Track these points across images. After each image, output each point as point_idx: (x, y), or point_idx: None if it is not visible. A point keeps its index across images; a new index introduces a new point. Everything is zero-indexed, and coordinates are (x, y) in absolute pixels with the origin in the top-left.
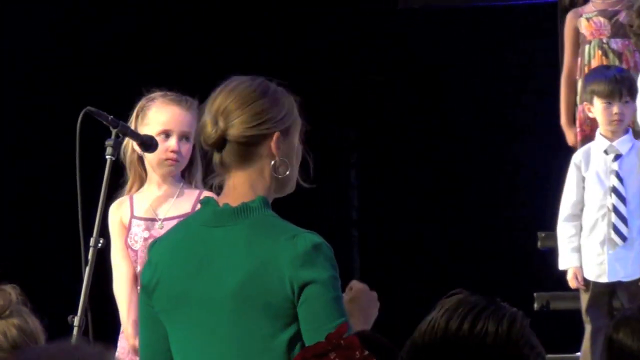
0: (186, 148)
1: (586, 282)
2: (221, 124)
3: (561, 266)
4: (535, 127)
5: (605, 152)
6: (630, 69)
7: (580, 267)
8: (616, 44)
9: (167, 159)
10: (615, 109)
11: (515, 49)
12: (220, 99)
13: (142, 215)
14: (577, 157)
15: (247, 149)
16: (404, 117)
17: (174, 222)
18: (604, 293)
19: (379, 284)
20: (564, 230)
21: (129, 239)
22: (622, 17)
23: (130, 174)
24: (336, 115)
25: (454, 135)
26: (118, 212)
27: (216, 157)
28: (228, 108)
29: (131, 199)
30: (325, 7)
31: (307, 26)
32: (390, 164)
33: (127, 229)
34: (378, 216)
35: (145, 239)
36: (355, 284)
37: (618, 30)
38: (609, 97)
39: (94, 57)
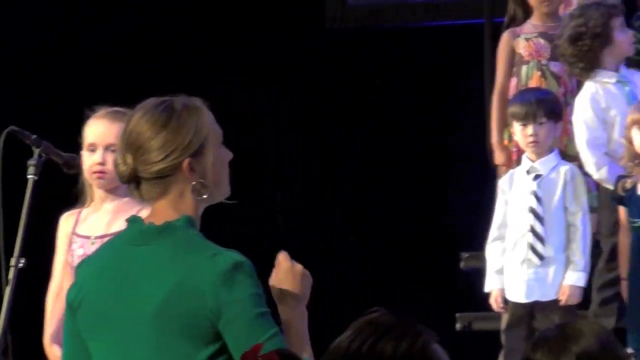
0: (113, 159)
1: (507, 303)
2: (129, 161)
3: (486, 288)
4: (461, 147)
5: (528, 172)
6: (568, 92)
7: (502, 289)
8: (556, 67)
9: (93, 172)
10: (529, 130)
11: (443, 69)
12: (127, 135)
13: (81, 232)
14: (503, 180)
15: (161, 182)
16: (330, 139)
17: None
18: (524, 313)
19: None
20: (490, 252)
21: (69, 255)
22: None
23: (86, 189)
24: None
25: (379, 157)
26: (65, 225)
27: (134, 192)
28: (134, 145)
29: (79, 214)
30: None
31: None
32: (318, 184)
33: (69, 244)
34: (302, 235)
35: (80, 257)
36: (281, 262)
37: (557, 54)
38: (524, 119)
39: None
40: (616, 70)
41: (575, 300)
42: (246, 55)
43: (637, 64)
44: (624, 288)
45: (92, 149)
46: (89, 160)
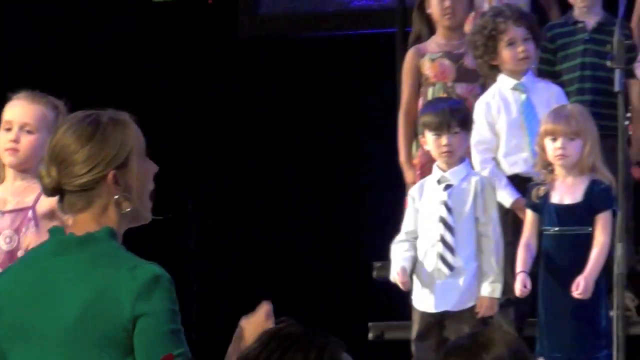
0: (28, 140)
1: (416, 312)
2: (53, 173)
3: (392, 275)
4: (372, 156)
5: (438, 181)
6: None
7: (407, 267)
8: (461, 88)
9: (5, 150)
10: (443, 140)
11: (355, 78)
12: (51, 147)
13: None
14: (413, 189)
15: (85, 194)
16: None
17: (14, 215)
18: (433, 323)
19: (215, 315)
20: (396, 248)
21: None
22: (467, 60)
23: None
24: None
25: (290, 166)
26: None
27: (59, 204)
28: (58, 157)
29: None
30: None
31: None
32: (226, 194)
33: None
34: (214, 246)
35: None
36: (261, 316)
37: (463, 74)
38: (438, 128)
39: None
40: (518, 77)
41: (492, 311)
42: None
43: (548, 74)
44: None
45: (8, 127)
46: (3, 138)
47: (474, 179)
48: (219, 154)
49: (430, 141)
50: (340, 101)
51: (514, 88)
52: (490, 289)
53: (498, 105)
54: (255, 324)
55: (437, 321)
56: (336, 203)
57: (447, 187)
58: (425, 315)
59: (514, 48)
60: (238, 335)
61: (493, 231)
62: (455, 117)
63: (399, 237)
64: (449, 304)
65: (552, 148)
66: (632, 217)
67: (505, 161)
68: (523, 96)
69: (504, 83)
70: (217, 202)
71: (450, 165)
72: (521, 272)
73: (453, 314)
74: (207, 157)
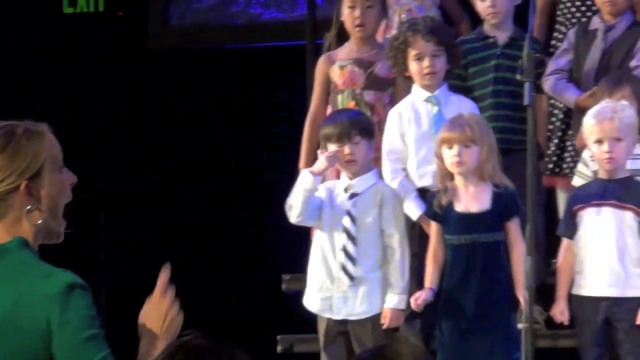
0: None
1: (321, 323)
2: None
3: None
4: (281, 168)
5: (345, 189)
6: (382, 121)
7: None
8: (369, 95)
9: None
10: (346, 149)
11: (265, 90)
12: None
13: None
14: (320, 186)
15: None
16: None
17: None
18: (337, 332)
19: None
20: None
21: None
22: (377, 68)
23: None
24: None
25: (199, 177)
26: None
27: None
28: None
29: None
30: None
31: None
32: (139, 203)
33: None
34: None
35: None
36: (154, 295)
37: (372, 82)
38: (339, 139)
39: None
40: (432, 89)
41: (397, 323)
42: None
43: (460, 90)
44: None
45: None
46: None
47: (380, 189)
48: (132, 164)
49: None
50: (250, 113)
51: (427, 100)
52: (395, 300)
53: (409, 117)
54: (153, 307)
55: (341, 330)
56: (245, 215)
57: (353, 196)
58: (329, 323)
59: (420, 63)
60: (142, 333)
61: (399, 242)
62: (356, 126)
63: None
64: (349, 313)
65: (449, 156)
66: (544, 231)
67: (414, 174)
68: (435, 109)
69: (416, 95)
70: (128, 215)
71: (355, 174)
72: (428, 288)
73: (356, 323)
74: (118, 168)
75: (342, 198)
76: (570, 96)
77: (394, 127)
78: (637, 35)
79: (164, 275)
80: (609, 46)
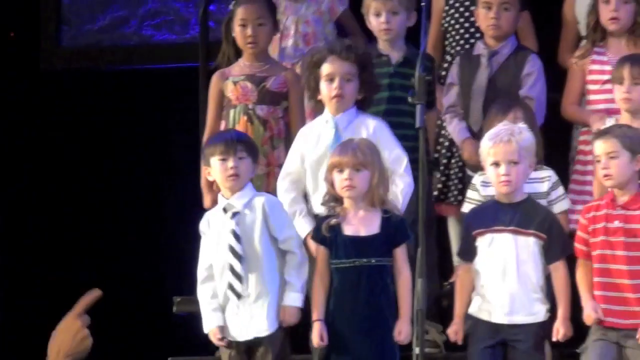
0: None
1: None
2: None
3: (205, 329)
4: (174, 189)
5: (225, 210)
6: (274, 136)
7: (221, 325)
8: (262, 110)
9: None
10: (230, 163)
11: (158, 112)
12: None
13: None
14: (202, 222)
15: None
16: (44, 184)
17: None
18: (239, 351)
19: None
20: (201, 293)
21: None
22: (269, 83)
23: None
24: None
25: (90, 197)
26: None
27: None
28: None
29: None
30: None
31: None
32: (30, 225)
33: None
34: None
35: None
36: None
37: (264, 97)
38: (224, 153)
39: None
40: (337, 112)
41: (293, 320)
42: None
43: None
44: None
45: None
46: None
47: (259, 201)
48: (24, 185)
49: (216, 167)
50: (143, 134)
51: (328, 123)
52: (292, 298)
53: (311, 138)
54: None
55: (243, 349)
56: (137, 236)
57: (234, 214)
58: (231, 343)
59: (330, 84)
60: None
61: (297, 244)
62: (242, 143)
63: (200, 275)
64: (243, 333)
65: (339, 180)
66: (436, 251)
67: (311, 196)
68: (333, 131)
69: (323, 116)
70: (19, 242)
71: (234, 191)
72: (317, 320)
73: (258, 341)
74: (9, 187)
75: (223, 218)
76: (459, 138)
77: (295, 146)
78: (522, 60)
79: (87, 299)
80: (494, 72)
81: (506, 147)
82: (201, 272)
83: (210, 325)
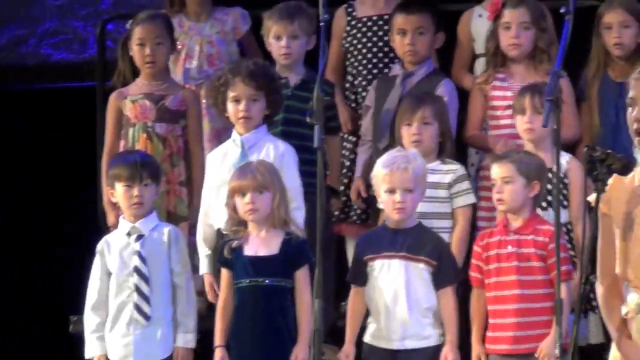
0: None
1: None
2: None
3: (87, 355)
4: (72, 208)
5: (129, 233)
6: (173, 154)
7: (104, 354)
8: (161, 128)
9: None
10: (135, 191)
11: (56, 131)
12: None
13: None
14: (100, 244)
15: None
16: None
17: None
18: None
19: None
20: (89, 319)
21: None
22: (168, 101)
23: None
24: None
25: None
26: None
27: None
28: None
29: None
30: None
31: None
32: None
33: None
34: None
35: None
36: None
37: (163, 115)
38: (129, 180)
39: None
40: (245, 131)
41: None
42: None
43: None
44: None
45: None
46: None
47: (166, 229)
48: None
49: (120, 192)
50: (41, 152)
51: (236, 142)
52: (185, 340)
53: (219, 158)
54: None
55: None
56: (32, 254)
57: (139, 237)
58: None
59: (236, 105)
60: None
61: (186, 281)
62: (147, 169)
63: (90, 300)
64: (149, 355)
65: (242, 204)
66: (334, 273)
67: (215, 215)
68: (238, 150)
69: (232, 136)
70: None
71: (138, 217)
72: (219, 346)
73: None
74: None
75: (127, 241)
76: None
77: (208, 168)
78: (435, 82)
79: None
80: (406, 92)
81: (402, 175)
82: (92, 295)
83: (93, 352)
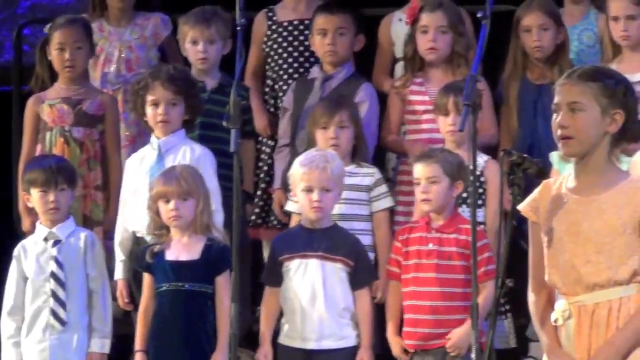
0: None
1: None
2: None
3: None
4: None
5: (46, 239)
6: (90, 158)
7: None
8: (78, 132)
9: None
10: (50, 197)
11: None
12: None
13: None
14: (16, 249)
15: None
16: None
17: None
18: None
19: None
20: (5, 325)
21: None
22: (85, 106)
23: None
24: None
25: None
26: None
27: None
28: None
29: None
30: None
31: None
32: None
33: None
34: None
35: None
36: None
37: (81, 119)
38: (44, 185)
39: None
40: (161, 134)
41: None
42: None
43: None
44: None
45: None
46: None
47: (82, 235)
48: None
49: (35, 198)
50: None
51: (153, 146)
52: (100, 344)
53: (137, 164)
54: None
55: None
56: None
57: (56, 242)
58: None
59: (155, 109)
60: None
61: (102, 287)
62: (62, 173)
63: (7, 305)
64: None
65: (166, 210)
66: (250, 277)
67: (130, 218)
68: (155, 153)
69: (151, 139)
70: None
71: (55, 223)
72: (139, 351)
73: None
74: None
75: (43, 246)
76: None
77: (126, 173)
78: (355, 86)
79: None
80: (326, 95)
81: (321, 174)
82: (8, 300)
83: (9, 358)
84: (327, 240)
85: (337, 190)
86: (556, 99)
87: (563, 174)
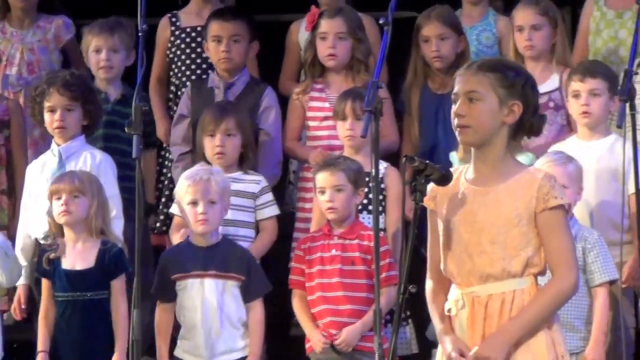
0: None
1: None
2: None
3: None
4: None
5: None
6: None
7: None
8: None
9: None
10: None
11: None
12: None
13: None
14: None
15: None
16: None
17: None
18: None
19: None
20: None
21: None
22: None
23: None
24: None
25: None
26: None
27: None
28: None
29: None
30: None
31: None
32: None
33: None
34: None
35: None
36: None
37: None
38: None
39: None
40: (62, 141)
41: None
42: None
43: None
44: None
45: None
46: None
47: None
48: None
49: None
50: None
51: (53, 152)
52: None
53: (39, 169)
54: None
55: None
56: None
57: None
58: None
59: (52, 115)
60: None
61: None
62: None
63: None
64: None
65: (57, 206)
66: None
67: (32, 225)
68: (56, 160)
69: (52, 146)
70: None
71: None
72: (41, 352)
73: None
74: None
75: None
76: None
77: (27, 178)
78: (259, 92)
79: None
80: (225, 102)
81: (205, 185)
82: None
83: None
84: (218, 257)
85: (223, 204)
86: (455, 89)
87: (463, 165)
